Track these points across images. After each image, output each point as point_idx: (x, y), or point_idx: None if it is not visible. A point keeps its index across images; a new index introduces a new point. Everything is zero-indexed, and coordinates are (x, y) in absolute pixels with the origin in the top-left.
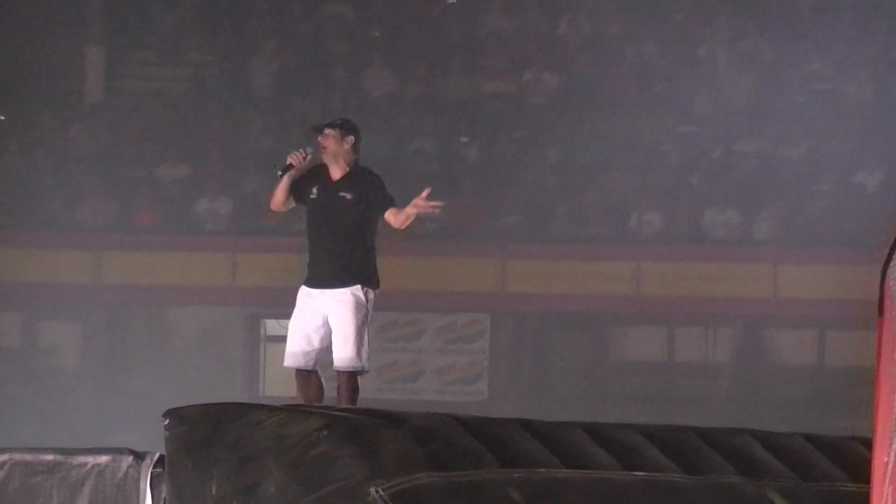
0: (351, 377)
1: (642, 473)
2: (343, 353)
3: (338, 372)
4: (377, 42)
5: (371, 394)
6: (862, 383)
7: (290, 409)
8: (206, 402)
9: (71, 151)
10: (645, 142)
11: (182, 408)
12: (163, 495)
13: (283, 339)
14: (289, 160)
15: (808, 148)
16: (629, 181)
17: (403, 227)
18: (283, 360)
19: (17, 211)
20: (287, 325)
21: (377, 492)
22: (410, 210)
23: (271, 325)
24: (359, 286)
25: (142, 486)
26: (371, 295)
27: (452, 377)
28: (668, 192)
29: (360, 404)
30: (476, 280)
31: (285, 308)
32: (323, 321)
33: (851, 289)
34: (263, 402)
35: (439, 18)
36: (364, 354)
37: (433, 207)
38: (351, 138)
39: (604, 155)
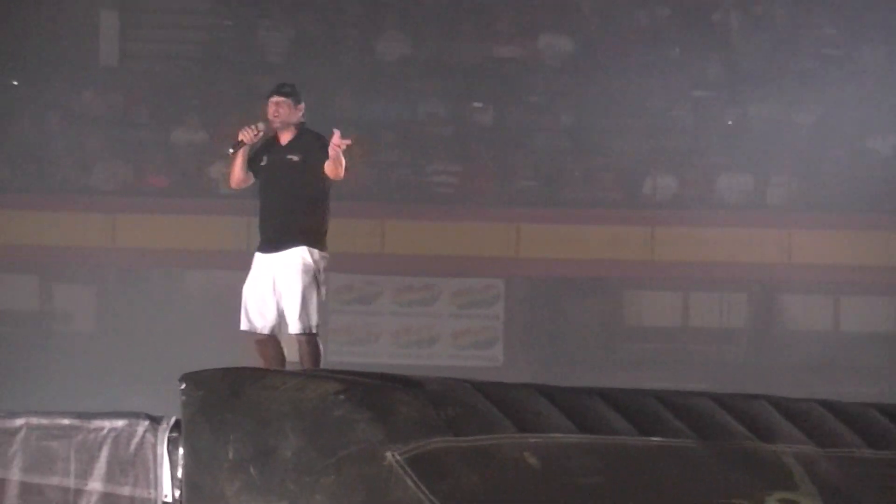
0: (308, 340)
1: (658, 439)
2: (291, 316)
3: (296, 336)
4: (391, 5)
5: (386, 359)
6: (876, 349)
7: (307, 374)
8: (222, 366)
9: (85, 115)
10: (658, 106)
11: (199, 372)
12: (179, 459)
13: None
14: (240, 136)
15: (822, 113)
16: (643, 146)
17: (338, 174)
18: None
19: (32, 174)
20: None
21: (394, 456)
22: (332, 154)
23: None
24: (305, 248)
25: (159, 450)
26: (317, 255)
27: (467, 342)
28: (681, 157)
29: (374, 369)
30: (490, 245)
31: None
32: (274, 285)
33: (866, 254)
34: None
35: None
36: (312, 316)
37: (345, 144)
38: (302, 105)
39: (617, 119)
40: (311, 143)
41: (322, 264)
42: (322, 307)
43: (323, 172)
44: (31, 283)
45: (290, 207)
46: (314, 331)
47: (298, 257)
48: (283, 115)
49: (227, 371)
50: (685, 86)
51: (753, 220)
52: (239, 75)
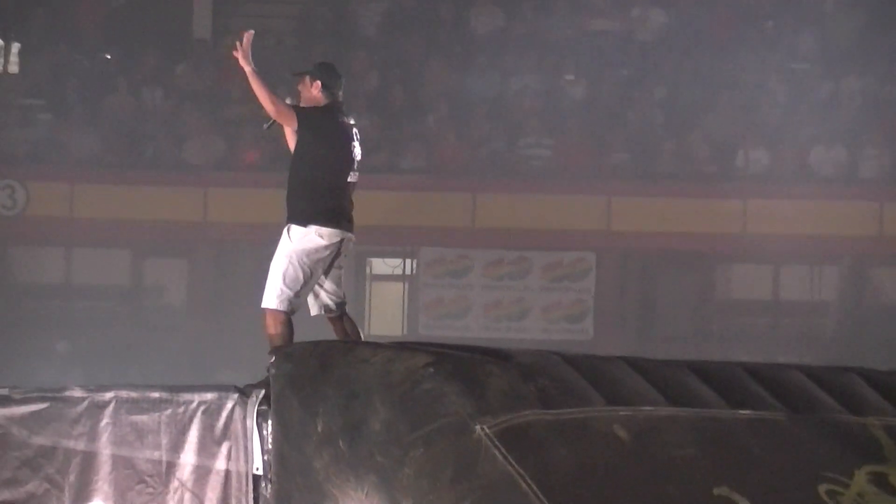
0: (266, 314)
1: (747, 411)
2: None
3: None
4: None
5: (477, 332)
6: None
7: (397, 346)
8: (312, 339)
9: (177, 90)
10: (752, 80)
11: (288, 345)
12: (268, 432)
13: (389, 277)
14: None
15: None
16: (736, 119)
17: (259, 95)
18: (389, 299)
19: (125, 149)
20: (393, 264)
21: (483, 429)
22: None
23: (377, 265)
24: (288, 225)
25: (248, 423)
26: (293, 231)
27: (558, 315)
28: (774, 130)
29: (465, 342)
30: (582, 218)
31: (391, 247)
32: None
33: None
34: (369, 340)
35: None
36: (274, 293)
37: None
38: (318, 83)
39: (710, 93)
40: None
41: (302, 240)
42: (292, 284)
43: (300, 145)
44: (123, 257)
45: (287, 186)
46: (267, 305)
47: (283, 235)
48: (301, 91)
49: (316, 344)
50: (779, 59)
51: (846, 193)
52: (331, 49)
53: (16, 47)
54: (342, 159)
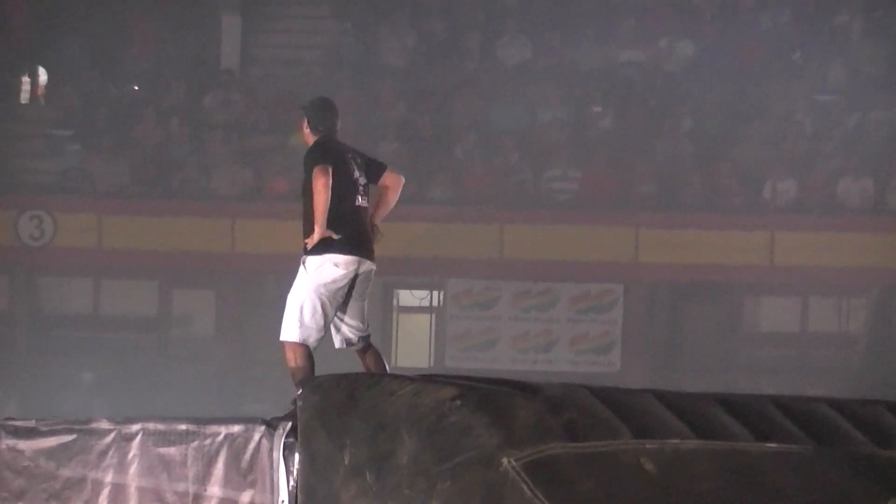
0: (285, 347)
1: (775, 444)
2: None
3: None
4: (511, 10)
5: (504, 364)
6: None
7: (424, 379)
8: (339, 371)
9: (205, 120)
10: (779, 111)
11: (315, 377)
12: (294, 465)
13: (416, 309)
14: None
15: None
16: (763, 150)
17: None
18: (416, 331)
19: (153, 179)
20: (420, 295)
21: (510, 462)
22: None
23: (404, 296)
24: (304, 257)
25: (275, 455)
26: (309, 262)
27: (585, 347)
28: (802, 162)
29: (492, 374)
30: (609, 249)
31: (418, 278)
32: None
33: None
34: (396, 372)
35: None
36: (293, 326)
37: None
38: (304, 121)
39: (738, 124)
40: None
41: (318, 270)
42: (311, 316)
43: (307, 183)
44: (151, 288)
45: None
46: (286, 338)
47: (300, 269)
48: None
49: (343, 377)
50: (806, 90)
51: (873, 225)
52: (359, 80)
53: (44, 77)
54: (344, 183)
